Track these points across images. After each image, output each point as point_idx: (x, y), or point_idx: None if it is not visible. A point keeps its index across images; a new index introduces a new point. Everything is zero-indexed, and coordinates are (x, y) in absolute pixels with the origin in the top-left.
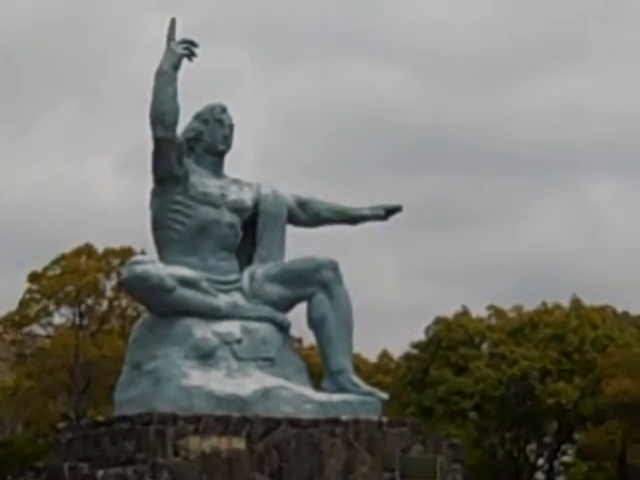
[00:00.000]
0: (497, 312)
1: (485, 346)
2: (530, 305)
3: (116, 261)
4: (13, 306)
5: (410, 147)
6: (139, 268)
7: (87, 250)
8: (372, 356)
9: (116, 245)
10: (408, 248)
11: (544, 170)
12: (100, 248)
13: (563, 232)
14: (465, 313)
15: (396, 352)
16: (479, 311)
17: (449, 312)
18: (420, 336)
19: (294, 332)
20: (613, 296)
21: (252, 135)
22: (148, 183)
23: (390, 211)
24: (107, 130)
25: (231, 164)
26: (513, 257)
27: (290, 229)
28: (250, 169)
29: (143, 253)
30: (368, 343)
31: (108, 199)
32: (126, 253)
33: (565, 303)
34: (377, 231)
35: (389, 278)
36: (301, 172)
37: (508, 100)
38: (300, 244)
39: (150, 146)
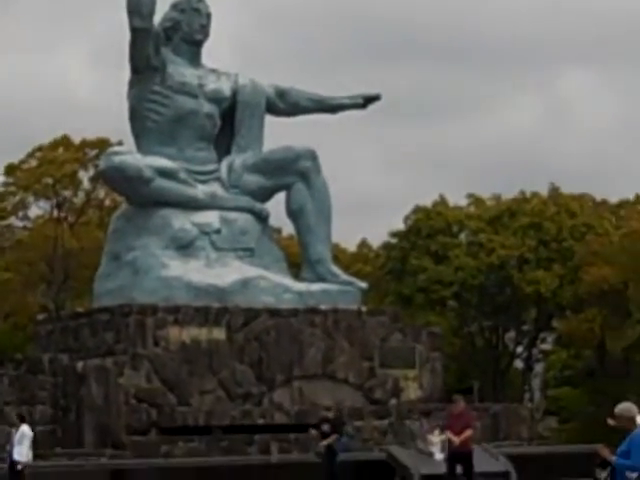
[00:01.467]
0: (476, 201)
1: (464, 235)
2: (509, 194)
3: (93, 152)
4: None
5: (383, 38)
6: (117, 159)
7: (64, 142)
8: (351, 245)
9: (93, 136)
10: (385, 138)
11: (518, 61)
12: (77, 140)
13: (539, 121)
14: (443, 202)
15: (375, 241)
16: (458, 200)
17: (428, 201)
18: (399, 225)
19: (273, 222)
20: (592, 186)
21: (226, 28)
22: (123, 74)
23: (369, 99)
24: (78, 21)
25: (206, 58)
26: (489, 147)
27: (268, 119)
28: (224, 63)
29: (120, 144)
30: (347, 232)
31: (83, 91)
32: (103, 144)
33: (544, 192)
34: (353, 122)
35: (367, 168)
36: (273, 66)
37: None
38: (278, 134)
39: (126, 36)
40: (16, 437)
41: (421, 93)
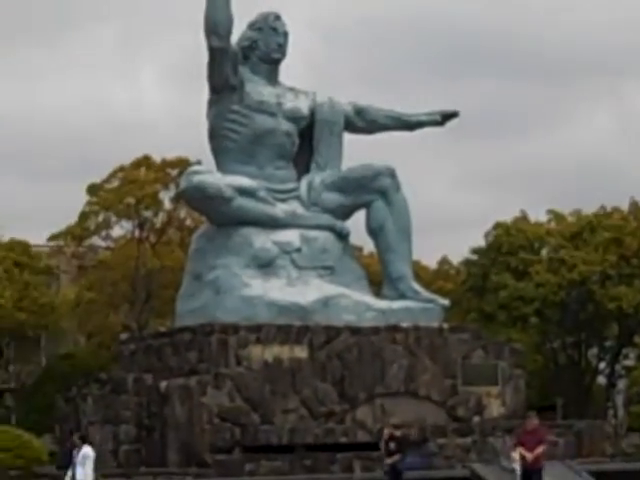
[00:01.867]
0: (556, 216)
1: (545, 251)
2: (589, 209)
3: (174, 172)
4: (73, 219)
5: (456, 54)
6: (197, 178)
7: (145, 162)
8: (432, 262)
9: (172, 156)
10: (461, 155)
11: (592, 75)
12: (158, 159)
13: (616, 134)
14: (524, 218)
15: (456, 258)
16: (538, 216)
17: (508, 217)
18: (480, 242)
19: (354, 240)
20: None
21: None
22: (196, 94)
23: (447, 116)
24: (152, 42)
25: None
26: (568, 162)
27: (347, 136)
28: (297, 81)
29: (199, 163)
30: (428, 249)
31: (158, 111)
32: (183, 163)
33: (625, 206)
34: (431, 138)
35: (445, 185)
36: (345, 83)
37: (552, 5)
38: (355, 151)
39: (202, 56)
40: (78, 458)
41: (499, 108)
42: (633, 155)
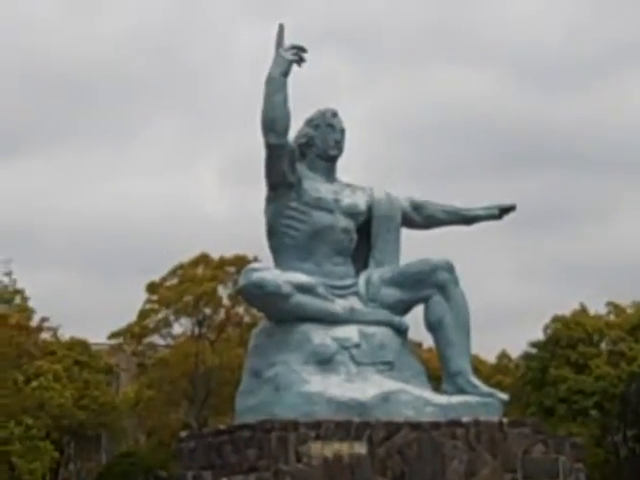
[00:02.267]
0: (616, 308)
1: (604, 343)
2: None
3: (231, 269)
4: (133, 317)
5: (508, 149)
6: (256, 275)
7: (203, 259)
8: (491, 357)
9: (229, 253)
10: (519, 248)
11: None
12: (215, 256)
13: None
14: (584, 310)
15: (515, 352)
16: (598, 308)
17: (566, 310)
18: (538, 335)
19: (413, 336)
20: None
21: (353, 142)
22: (253, 190)
23: (504, 210)
24: (211, 140)
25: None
26: (627, 254)
27: (404, 230)
28: (355, 176)
29: (256, 260)
30: (486, 344)
31: (216, 208)
32: (240, 261)
33: None
34: (486, 232)
35: (503, 278)
36: (400, 177)
37: (607, 93)
38: (413, 246)
39: (259, 153)
40: None
41: (558, 200)
42: None
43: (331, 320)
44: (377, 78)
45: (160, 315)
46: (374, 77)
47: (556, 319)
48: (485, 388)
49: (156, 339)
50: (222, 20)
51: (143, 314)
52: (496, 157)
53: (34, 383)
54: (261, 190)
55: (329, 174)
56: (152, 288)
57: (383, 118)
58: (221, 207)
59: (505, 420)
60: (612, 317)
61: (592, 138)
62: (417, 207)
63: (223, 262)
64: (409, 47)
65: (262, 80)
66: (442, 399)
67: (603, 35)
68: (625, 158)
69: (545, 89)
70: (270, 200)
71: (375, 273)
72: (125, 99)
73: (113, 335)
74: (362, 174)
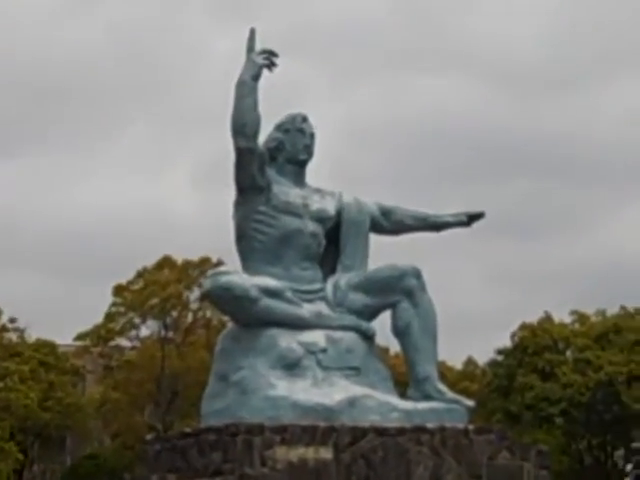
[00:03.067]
0: (580, 317)
1: (570, 351)
2: (612, 309)
3: (195, 272)
4: (99, 319)
5: (483, 156)
6: (223, 279)
7: (167, 262)
8: (457, 363)
9: (193, 256)
10: (487, 255)
11: (618, 176)
12: (179, 260)
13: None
14: (548, 319)
15: (481, 359)
16: (562, 316)
17: (533, 318)
18: (505, 342)
19: (380, 341)
20: None
21: (323, 149)
22: (221, 195)
23: (473, 217)
24: (179, 145)
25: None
26: (592, 263)
27: (372, 236)
28: (322, 182)
29: (220, 263)
30: (453, 350)
31: (182, 212)
32: (204, 264)
33: None
34: (455, 239)
35: (471, 285)
36: (371, 185)
37: (579, 107)
38: (381, 252)
39: (225, 158)
40: None
41: (524, 210)
42: None
43: (298, 325)
44: (349, 86)
45: (126, 318)
46: (345, 85)
47: (523, 327)
48: (451, 394)
49: (123, 341)
50: (194, 25)
51: (109, 317)
52: (466, 165)
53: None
54: (229, 194)
55: (298, 179)
56: (118, 291)
57: (354, 126)
58: (189, 210)
59: (471, 427)
60: (577, 325)
61: (562, 148)
62: (386, 213)
63: (187, 265)
64: (383, 55)
65: (233, 84)
66: (408, 405)
67: (576, 46)
68: (594, 169)
69: (518, 99)
70: (239, 204)
71: (343, 278)
72: (97, 103)
73: (79, 337)
74: (332, 181)
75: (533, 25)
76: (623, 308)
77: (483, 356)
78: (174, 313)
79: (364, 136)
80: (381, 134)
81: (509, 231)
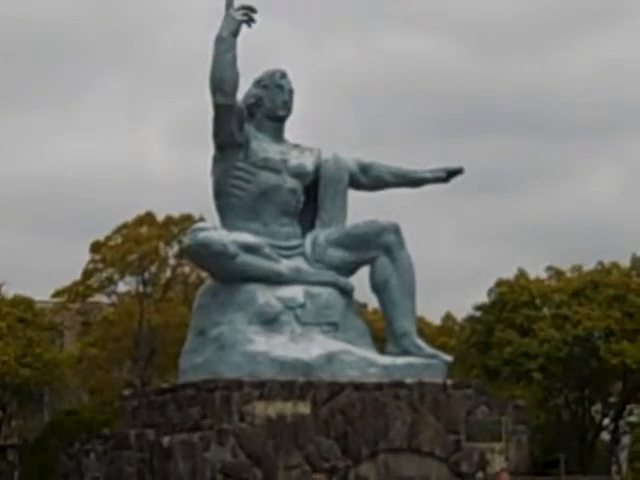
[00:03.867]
0: (556, 273)
1: (547, 307)
2: (588, 265)
3: (176, 229)
4: (77, 276)
5: (455, 113)
6: (201, 235)
7: (148, 219)
8: (436, 319)
9: (175, 213)
10: (464, 211)
11: (591, 131)
12: (160, 217)
13: (616, 192)
14: (522, 275)
15: (460, 314)
16: (538, 272)
17: (510, 274)
18: (483, 298)
19: (359, 297)
20: None
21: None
22: (199, 152)
23: (451, 173)
24: (156, 101)
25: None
26: (569, 218)
27: (351, 192)
28: (300, 139)
29: (202, 220)
30: (431, 306)
31: (160, 169)
32: (186, 220)
33: (625, 263)
34: (431, 195)
35: (448, 241)
36: (347, 140)
37: (550, 63)
38: (359, 208)
39: (206, 114)
40: None
41: (500, 166)
42: (634, 211)
43: (276, 280)
44: (323, 41)
45: (104, 274)
46: (320, 40)
47: (500, 283)
48: (429, 349)
49: (101, 298)
50: None
51: (87, 274)
52: (436, 121)
53: None
54: (207, 151)
55: (277, 135)
56: (96, 247)
57: (330, 81)
58: (167, 168)
59: (449, 382)
60: (553, 281)
61: (537, 103)
62: (364, 169)
63: (168, 221)
64: (357, 11)
65: (210, 40)
66: (386, 360)
67: (546, 3)
68: (568, 124)
69: (495, 53)
70: (217, 160)
71: (321, 234)
72: (70, 59)
73: (57, 293)
74: (309, 137)
75: None
76: (600, 263)
77: (461, 312)
78: (153, 269)
79: (334, 92)
80: (351, 90)
81: (483, 187)
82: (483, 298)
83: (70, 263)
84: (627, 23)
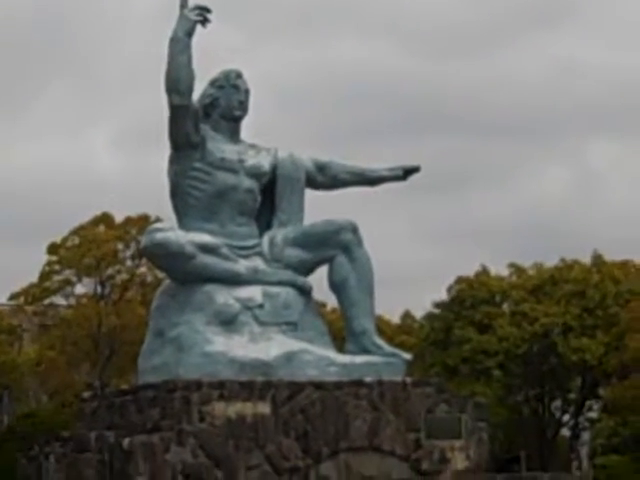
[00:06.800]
0: (517, 270)
1: (507, 304)
2: (550, 262)
3: (134, 230)
4: (33, 278)
5: (405, 113)
6: (159, 235)
7: (105, 219)
8: (395, 317)
9: (128, 213)
10: (420, 210)
11: (553, 132)
12: (117, 217)
13: (574, 190)
14: (485, 272)
15: (419, 312)
16: (499, 270)
17: (470, 271)
18: (442, 295)
19: (318, 296)
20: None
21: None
22: (148, 154)
23: (409, 171)
24: (104, 104)
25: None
26: (528, 216)
27: (308, 191)
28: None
29: (159, 220)
30: (390, 304)
31: (110, 170)
32: (143, 221)
33: (586, 259)
34: (385, 194)
35: (406, 240)
36: (298, 145)
37: (499, 64)
38: (316, 207)
39: (155, 115)
40: None
41: (461, 164)
42: (592, 209)
43: (234, 280)
44: (265, 46)
45: (62, 276)
46: (262, 44)
47: (460, 280)
48: (388, 348)
49: (58, 299)
50: None
51: (44, 275)
52: (389, 122)
53: None
54: (158, 152)
55: (233, 135)
56: (53, 249)
57: (273, 85)
58: (117, 169)
59: (408, 380)
60: (514, 278)
61: (488, 103)
62: (321, 168)
63: (126, 222)
64: (300, 16)
65: (158, 43)
66: (345, 359)
67: (495, 1)
68: (520, 122)
69: (442, 54)
70: (173, 161)
71: (279, 234)
72: (18, 63)
73: (14, 296)
74: (254, 139)
75: None
76: (562, 260)
77: (420, 310)
78: (110, 270)
79: (282, 95)
80: (300, 93)
81: (439, 186)
82: (443, 296)
83: (24, 265)
84: (575, 22)
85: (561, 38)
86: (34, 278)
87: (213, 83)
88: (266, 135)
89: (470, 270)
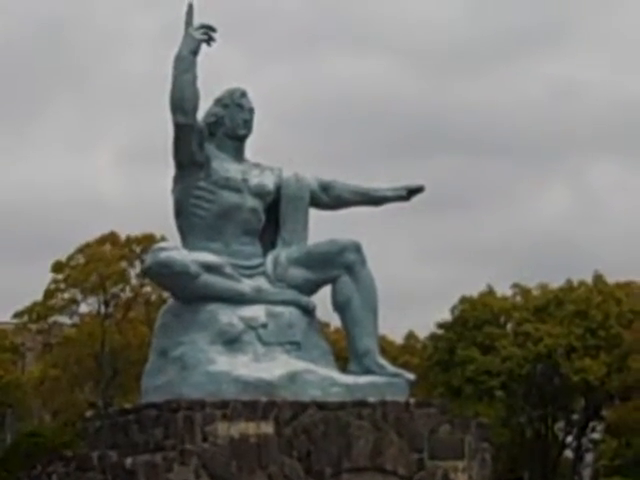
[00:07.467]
0: (522, 290)
1: (510, 325)
2: (556, 283)
3: (138, 248)
4: (37, 297)
5: (407, 133)
6: (163, 255)
7: (111, 238)
8: (398, 337)
9: (131, 232)
10: (423, 230)
11: (558, 153)
12: (122, 236)
13: (579, 212)
14: (490, 292)
15: (422, 333)
16: (504, 290)
17: (474, 291)
18: (446, 316)
19: (321, 316)
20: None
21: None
22: (152, 172)
23: (412, 191)
24: (108, 123)
25: None
26: (533, 237)
27: (312, 211)
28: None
29: (163, 239)
30: (394, 324)
31: (114, 189)
32: (148, 240)
33: (589, 280)
34: (389, 214)
35: (411, 260)
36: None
37: (500, 84)
38: (320, 227)
39: (159, 134)
40: None
41: (466, 184)
42: (594, 228)
43: (238, 300)
44: (266, 66)
45: (66, 295)
46: (263, 65)
47: (463, 300)
48: (392, 368)
49: (62, 318)
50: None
51: (49, 294)
52: (401, 141)
53: None
54: (161, 171)
55: (238, 154)
56: (58, 268)
57: (274, 105)
58: (120, 188)
59: (412, 400)
60: (518, 299)
61: (489, 123)
62: (325, 187)
63: (131, 241)
64: (302, 34)
65: (162, 63)
66: (349, 379)
67: (496, 21)
68: (521, 142)
69: (445, 74)
70: (178, 180)
71: (283, 253)
72: (24, 81)
73: (17, 314)
74: (255, 159)
75: (446, 7)
76: (569, 281)
77: (424, 330)
78: (114, 289)
79: (283, 115)
80: (300, 113)
81: (444, 206)
82: (447, 316)
83: (27, 283)
84: (575, 43)
85: (562, 58)
86: (37, 296)
87: (218, 102)
88: (266, 154)
89: (474, 290)
